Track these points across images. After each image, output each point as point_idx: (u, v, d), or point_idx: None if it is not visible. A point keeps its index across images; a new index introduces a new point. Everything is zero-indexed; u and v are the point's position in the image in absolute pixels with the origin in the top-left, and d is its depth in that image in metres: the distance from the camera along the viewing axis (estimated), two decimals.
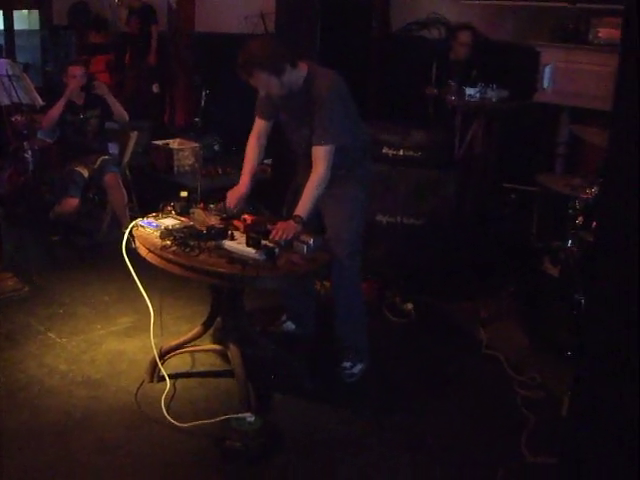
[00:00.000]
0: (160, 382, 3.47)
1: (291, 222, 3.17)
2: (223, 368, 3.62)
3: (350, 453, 3.06)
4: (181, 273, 3.02)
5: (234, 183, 6.11)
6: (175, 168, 6.19)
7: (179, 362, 3.63)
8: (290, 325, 4.03)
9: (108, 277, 4.70)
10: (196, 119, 5.26)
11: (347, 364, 3.60)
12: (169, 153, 6.20)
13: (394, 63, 5.91)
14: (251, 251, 2.96)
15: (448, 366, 3.83)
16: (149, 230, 3.24)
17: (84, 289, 4.53)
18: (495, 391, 3.60)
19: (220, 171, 6.25)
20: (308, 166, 3.46)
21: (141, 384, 3.46)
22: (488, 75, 5.26)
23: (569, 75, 5.04)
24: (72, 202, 5.06)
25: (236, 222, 3.30)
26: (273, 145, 5.91)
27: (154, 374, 3.46)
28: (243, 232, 3.17)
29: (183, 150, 6.23)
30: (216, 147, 6.61)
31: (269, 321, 4.04)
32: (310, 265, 2.96)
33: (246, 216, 3.30)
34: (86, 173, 5.19)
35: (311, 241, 3.07)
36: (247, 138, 3.55)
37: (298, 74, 3.27)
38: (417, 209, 4.71)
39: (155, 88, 7.03)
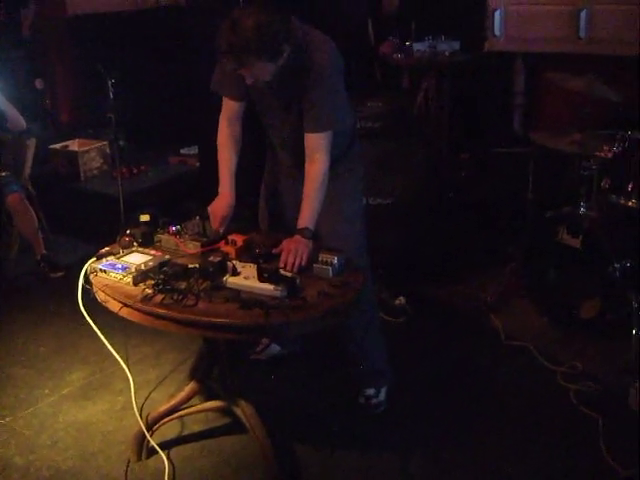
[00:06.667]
0: (150, 457, 2.76)
1: (299, 238, 2.50)
2: (220, 423, 2.94)
3: None
4: (177, 330, 2.30)
5: (156, 182, 5.46)
6: (82, 173, 5.30)
7: (164, 425, 2.89)
8: (274, 347, 3.39)
9: (35, 320, 3.90)
10: (109, 115, 4.39)
11: (371, 391, 3.01)
12: (73, 157, 5.30)
13: (328, 23, 5.24)
14: (268, 287, 2.27)
15: (474, 368, 3.33)
16: (115, 275, 2.47)
17: (10, 341, 3.68)
18: (541, 389, 3.12)
19: (135, 170, 5.42)
20: (291, 159, 2.84)
21: (128, 465, 2.73)
22: (431, 27, 4.71)
23: (522, 18, 4.57)
24: None
25: (224, 247, 2.59)
26: (199, 129, 5.23)
27: (142, 449, 2.74)
28: (241, 260, 2.47)
29: (88, 152, 5.34)
30: (121, 142, 5.71)
31: (246, 350, 3.37)
32: (347, 293, 2.30)
33: (235, 236, 2.60)
34: None
35: (335, 260, 2.41)
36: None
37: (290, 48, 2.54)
38: (383, 186, 4.15)
39: (38, 84, 6.01)
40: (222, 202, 2.73)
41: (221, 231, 2.68)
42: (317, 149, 2.59)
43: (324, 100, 2.55)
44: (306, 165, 2.62)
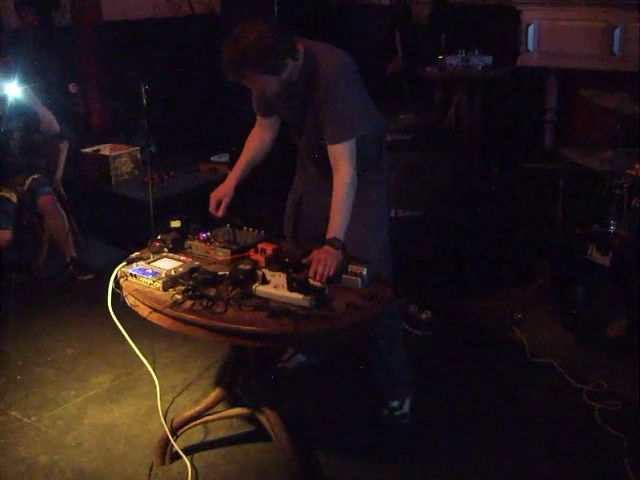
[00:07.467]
0: (174, 461, 2.77)
1: (328, 249, 2.50)
2: (244, 430, 2.95)
3: None
4: (205, 337, 2.32)
5: (186, 189, 5.50)
6: (113, 178, 5.36)
7: (189, 430, 2.91)
8: (300, 358, 3.40)
9: (64, 322, 3.94)
10: (142, 121, 4.43)
11: (395, 403, 3.00)
12: (104, 161, 5.36)
13: (356, 35, 5.26)
14: (297, 297, 2.28)
15: (498, 383, 3.29)
16: (145, 280, 2.49)
17: (38, 342, 3.72)
18: (566, 407, 3.09)
19: (166, 177, 5.47)
20: (313, 168, 2.89)
21: (151, 469, 2.75)
22: (462, 40, 4.71)
23: (555, 34, 4.55)
24: (4, 235, 4.21)
25: (254, 255, 2.61)
26: (230, 137, 5.27)
27: (165, 454, 2.76)
28: (270, 269, 2.48)
29: (120, 156, 5.40)
30: (152, 148, 5.77)
31: (272, 358, 3.38)
32: (376, 305, 2.31)
33: (264, 245, 2.62)
34: (14, 198, 4.36)
35: (364, 271, 2.42)
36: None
37: (297, 62, 2.59)
38: (412, 199, 4.15)
39: (72, 88, 6.07)
40: (220, 189, 2.89)
41: (219, 215, 2.81)
42: (340, 158, 2.61)
43: (339, 111, 2.58)
44: (333, 176, 2.64)
